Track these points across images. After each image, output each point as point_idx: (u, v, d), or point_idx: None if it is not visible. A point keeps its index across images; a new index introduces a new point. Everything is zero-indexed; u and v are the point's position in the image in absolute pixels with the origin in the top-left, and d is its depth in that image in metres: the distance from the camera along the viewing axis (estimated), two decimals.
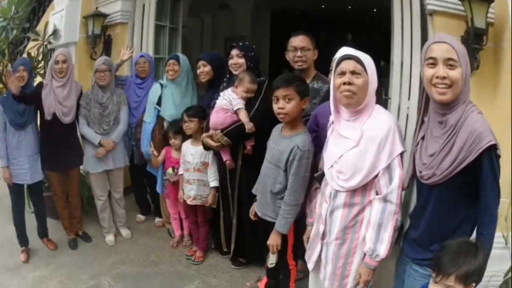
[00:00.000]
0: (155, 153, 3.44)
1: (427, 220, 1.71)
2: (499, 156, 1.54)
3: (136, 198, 4.30)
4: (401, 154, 1.81)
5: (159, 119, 3.60)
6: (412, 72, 3.35)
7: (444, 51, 1.56)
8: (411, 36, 3.32)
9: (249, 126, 2.74)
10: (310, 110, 2.65)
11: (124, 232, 3.85)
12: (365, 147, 1.80)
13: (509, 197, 2.27)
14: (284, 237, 2.40)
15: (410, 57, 3.36)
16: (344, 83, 1.82)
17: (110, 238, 3.72)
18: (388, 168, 1.78)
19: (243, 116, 2.77)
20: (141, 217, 4.23)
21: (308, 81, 2.72)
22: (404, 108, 3.44)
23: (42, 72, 4.07)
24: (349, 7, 8.86)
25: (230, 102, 2.82)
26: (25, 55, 4.13)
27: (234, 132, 2.80)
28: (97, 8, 4.52)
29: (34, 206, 3.57)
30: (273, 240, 2.38)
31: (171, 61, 3.52)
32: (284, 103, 2.22)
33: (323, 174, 2.07)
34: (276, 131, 2.46)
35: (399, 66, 3.41)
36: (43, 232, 3.61)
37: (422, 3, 3.15)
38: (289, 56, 2.90)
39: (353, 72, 1.81)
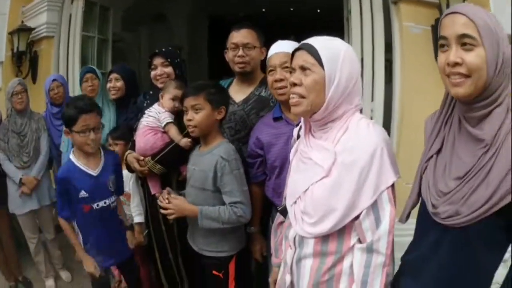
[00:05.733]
0: None
1: (434, 270, 1.16)
2: None
3: None
4: (393, 185, 1.27)
5: None
6: (375, 71, 3.07)
7: (459, 25, 1.03)
8: (372, 30, 3.04)
9: (183, 142, 2.17)
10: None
11: (64, 275, 3.48)
12: (339, 178, 1.25)
13: None
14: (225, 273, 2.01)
15: (372, 54, 3.07)
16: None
17: (50, 283, 3.36)
18: (374, 206, 1.24)
19: (174, 133, 2.22)
20: None
21: (253, 88, 2.25)
22: (367, 110, 3.10)
23: None
24: (291, 9, 8.62)
25: (157, 119, 2.28)
26: None
27: (169, 156, 2.23)
28: (22, 22, 4.15)
29: None
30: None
31: (89, 75, 3.03)
32: (192, 114, 1.91)
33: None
34: (195, 151, 2.11)
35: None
36: None
37: None
38: (229, 55, 2.26)
39: (302, 68, 1.31)
